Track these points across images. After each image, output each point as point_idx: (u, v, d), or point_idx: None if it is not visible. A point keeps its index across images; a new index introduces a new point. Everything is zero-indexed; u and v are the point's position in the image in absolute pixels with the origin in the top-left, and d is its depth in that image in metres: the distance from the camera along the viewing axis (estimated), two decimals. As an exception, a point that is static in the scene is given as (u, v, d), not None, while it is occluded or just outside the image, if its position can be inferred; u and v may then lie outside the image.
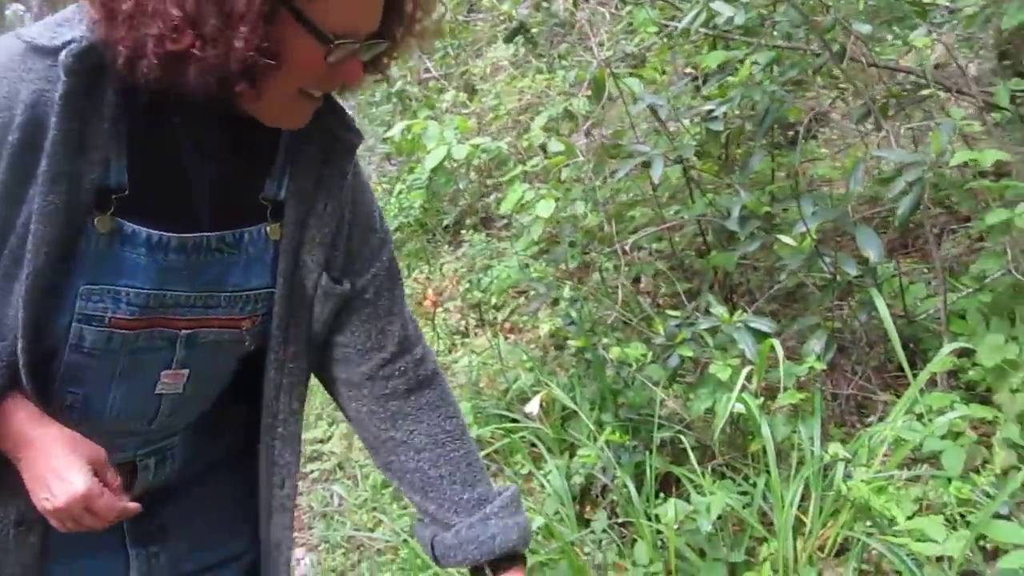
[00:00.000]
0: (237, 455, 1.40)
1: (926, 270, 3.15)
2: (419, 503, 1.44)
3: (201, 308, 1.17)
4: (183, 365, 1.20)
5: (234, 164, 1.18)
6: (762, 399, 2.52)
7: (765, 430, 2.45)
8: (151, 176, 1.10)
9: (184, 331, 1.18)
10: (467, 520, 1.38)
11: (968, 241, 3.22)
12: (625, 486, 2.62)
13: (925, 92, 2.91)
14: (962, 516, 2.08)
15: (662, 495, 2.61)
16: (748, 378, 2.50)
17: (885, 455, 2.32)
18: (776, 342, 2.46)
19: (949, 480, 2.15)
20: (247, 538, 1.41)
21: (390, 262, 1.35)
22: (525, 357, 3.53)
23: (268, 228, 1.21)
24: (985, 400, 2.45)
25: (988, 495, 2.10)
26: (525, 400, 3.29)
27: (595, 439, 2.88)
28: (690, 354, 2.62)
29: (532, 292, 4.19)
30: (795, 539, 2.31)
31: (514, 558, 1.42)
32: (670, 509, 2.24)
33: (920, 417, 2.31)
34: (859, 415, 2.80)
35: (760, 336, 2.55)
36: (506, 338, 4.10)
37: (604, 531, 2.45)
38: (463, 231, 5.15)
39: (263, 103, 1.10)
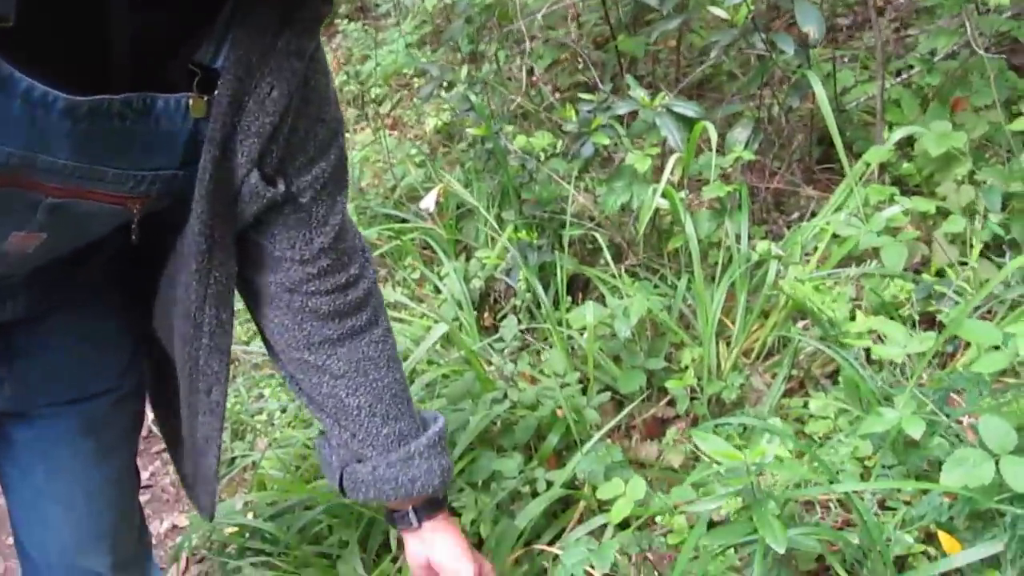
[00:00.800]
0: (103, 288, 1.25)
1: (852, 58, 2.91)
2: (328, 427, 1.30)
3: (81, 179, 0.92)
4: (41, 230, 0.98)
5: (169, 17, 0.92)
6: (684, 193, 2.27)
7: (688, 227, 2.22)
8: (58, 13, 0.83)
9: (53, 199, 0.93)
10: (386, 457, 1.27)
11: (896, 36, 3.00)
12: (530, 290, 2.37)
13: None
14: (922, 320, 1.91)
15: (571, 300, 2.39)
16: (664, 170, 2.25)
17: (823, 255, 2.12)
18: (711, 126, 2.19)
19: (892, 278, 1.97)
20: (114, 375, 1.31)
21: (337, 161, 1.12)
22: (414, 151, 3.18)
23: (190, 100, 0.94)
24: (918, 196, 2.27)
25: (930, 296, 1.93)
26: (415, 199, 2.98)
27: (492, 241, 2.62)
28: (606, 142, 2.33)
29: (419, 82, 3.82)
30: (719, 344, 2.12)
31: (433, 502, 1.34)
32: (588, 313, 2.00)
33: (854, 213, 2.12)
34: (781, 212, 2.60)
35: (685, 123, 2.28)
36: (389, 135, 3.73)
37: (515, 338, 2.21)
38: (337, 20, 4.69)
39: None
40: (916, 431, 1.46)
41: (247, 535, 2.07)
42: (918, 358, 1.64)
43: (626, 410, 1.92)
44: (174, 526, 2.50)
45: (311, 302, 1.16)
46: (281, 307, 1.17)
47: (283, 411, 2.53)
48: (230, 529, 2.12)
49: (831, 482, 1.41)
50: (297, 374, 1.24)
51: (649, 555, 1.60)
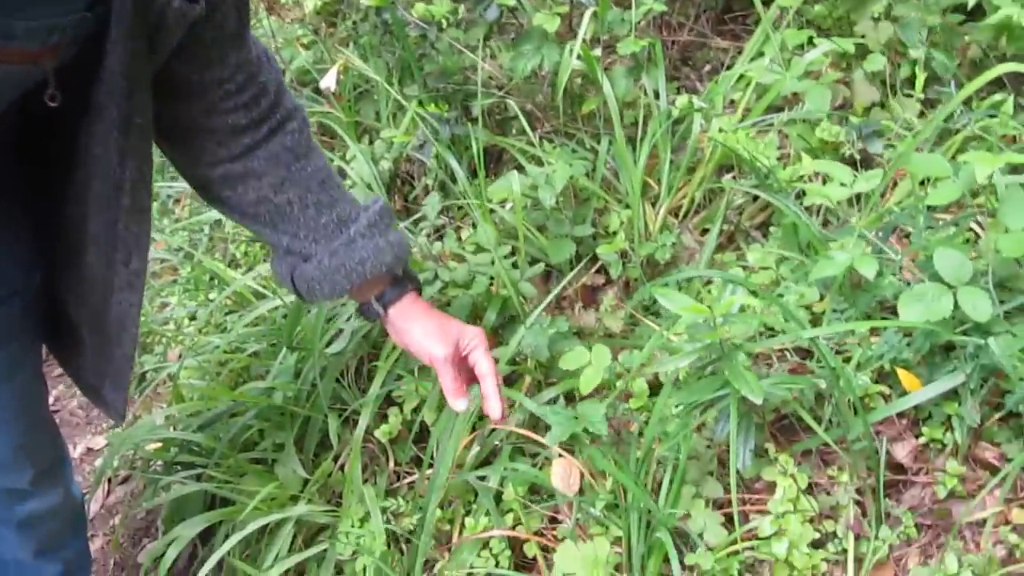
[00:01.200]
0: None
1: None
2: (270, 237, 1.25)
3: None
4: None
5: None
6: (597, 51, 2.17)
7: (606, 86, 2.13)
8: None
9: None
10: (328, 247, 1.23)
11: None
12: (443, 166, 2.26)
13: None
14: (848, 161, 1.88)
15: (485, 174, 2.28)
16: (575, 31, 2.14)
17: (746, 106, 2.06)
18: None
19: (818, 123, 1.93)
20: (21, 275, 1.25)
21: None
22: (300, 32, 2.97)
23: None
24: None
25: (858, 134, 1.90)
26: (307, 83, 2.79)
27: (394, 119, 2.47)
28: (511, 2, 2.20)
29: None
30: (645, 205, 2.06)
31: (399, 283, 1.30)
32: (513, 183, 1.90)
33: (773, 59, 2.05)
34: (691, 67, 2.52)
35: (592, -25, 2.16)
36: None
37: (439, 215, 2.10)
38: None
39: None
40: (869, 271, 1.43)
41: (173, 450, 1.96)
42: (864, 199, 1.60)
43: (567, 278, 1.86)
44: (89, 449, 2.36)
45: (231, 119, 1.14)
46: (202, 133, 1.15)
47: (192, 318, 2.39)
48: (153, 445, 2.00)
49: (798, 329, 1.37)
50: (224, 191, 1.21)
51: (611, 423, 1.56)
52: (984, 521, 1.38)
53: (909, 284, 1.48)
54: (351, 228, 1.23)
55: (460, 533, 1.65)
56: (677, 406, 1.36)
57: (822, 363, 1.50)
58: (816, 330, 1.32)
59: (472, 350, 1.32)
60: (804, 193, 1.76)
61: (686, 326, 1.32)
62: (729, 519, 1.45)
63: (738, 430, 1.28)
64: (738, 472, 1.46)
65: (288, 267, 1.26)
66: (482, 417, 1.71)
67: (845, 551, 1.41)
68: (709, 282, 1.89)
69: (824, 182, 1.89)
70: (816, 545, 1.41)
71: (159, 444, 1.98)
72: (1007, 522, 1.39)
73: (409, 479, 1.83)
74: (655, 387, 1.60)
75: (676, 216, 2.08)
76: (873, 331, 1.53)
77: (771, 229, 1.94)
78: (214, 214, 2.37)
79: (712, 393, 1.28)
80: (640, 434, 1.57)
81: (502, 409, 1.31)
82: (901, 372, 1.42)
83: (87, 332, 1.26)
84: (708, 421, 1.43)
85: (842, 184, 1.51)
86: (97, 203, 1.08)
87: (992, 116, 1.64)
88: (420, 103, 2.31)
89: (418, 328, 1.30)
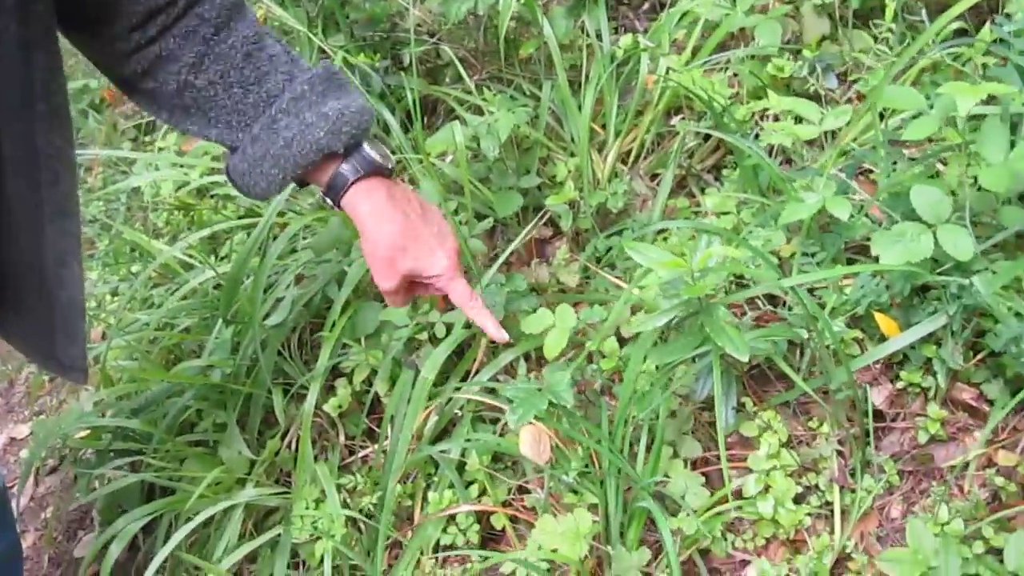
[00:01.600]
0: None
1: None
2: (209, 133, 1.07)
3: None
4: None
5: None
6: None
7: (546, 28, 2.02)
8: None
9: None
10: (251, 131, 1.04)
11: None
12: (376, 119, 2.13)
13: None
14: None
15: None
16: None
17: (695, 44, 1.98)
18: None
19: (767, 60, 1.85)
20: None
21: None
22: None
23: None
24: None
25: (811, 69, 1.83)
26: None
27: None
28: (442, -60, 2.06)
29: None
30: (590, 153, 1.97)
31: (350, 164, 1.08)
32: (456, 133, 1.79)
33: None
34: (627, 5, 2.42)
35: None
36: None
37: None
38: None
39: None
40: (842, 212, 1.36)
41: (106, 436, 1.82)
42: (829, 137, 1.53)
43: (524, 232, 1.76)
44: (12, 439, 2.21)
45: (157, 21, 0.99)
46: (111, 16, 0.99)
47: (115, 294, 2.23)
48: (83, 433, 1.86)
49: (771, 277, 1.30)
50: (146, 83, 1.04)
51: (578, 385, 1.48)
52: (967, 464, 1.34)
53: (880, 224, 1.42)
54: (271, 106, 1.04)
55: (422, 508, 1.56)
56: (655, 366, 1.28)
57: (793, 310, 1.44)
58: (796, 277, 1.25)
59: (436, 281, 1.17)
60: (760, 133, 1.69)
61: (659, 282, 1.23)
62: (707, 479, 1.39)
63: (721, 388, 1.21)
64: (712, 427, 1.40)
65: (226, 164, 1.10)
66: (438, 384, 1.62)
67: (828, 503, 1.36)
68: (664, 229, 1.82)
69: (775, 120, 1.82)
70: (798, 500, 1.35)
71: (87, 432, 1.84)
72: (991, 464, 1.35)
73: (363, 452, 1.73)
74: (620, 343, 1.53)
75: (624, 163, 1.99)
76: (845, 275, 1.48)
77: (723, 172, 1.87)
78: (131, 181, 2.21)
79: (692, 351, 1.20)
80: (610, 394, 1.49)
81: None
82: (879, 316, 1.36)
83: (22, 280, 1.05)
84: (677, 375, 1.36)
85: (809, 122, 1.43)
86: (6, 113, 0.91)
87: (958, 47, 1.58)
88: (347, 53, 2.17)
89: (368, 239, 1.12)
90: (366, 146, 1.08)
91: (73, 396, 2.12)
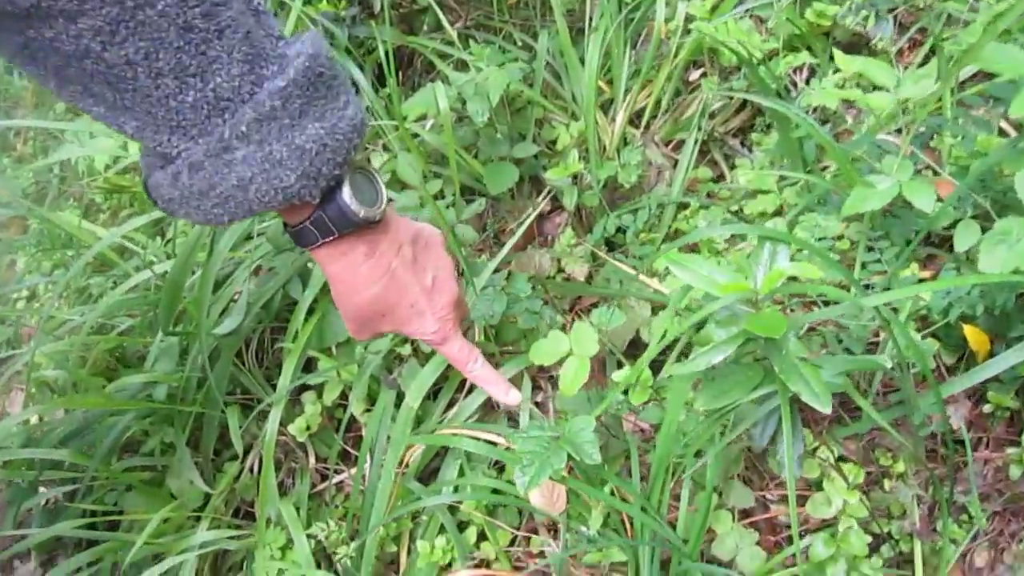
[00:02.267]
0: None
1: None
2: (121, 124, 0.68)
3: None
4: None
5: None
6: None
7: (541, -33, 1.72)
8: None
9: None
10: (191, 152, 0.68)
11: None
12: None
13: None
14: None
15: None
16: None
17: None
18: None
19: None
20: None
21: None
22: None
23: None
24: None
25: (863, 12, 1.54)
26: None
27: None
28: None
29: None
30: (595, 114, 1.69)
31: (330, 214, 0.78)
32: (439, 97, 1.50)
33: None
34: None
35: None
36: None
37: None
38: None
39: None
40: (925, 202, 1.10)
41: (28, 468, 1.55)
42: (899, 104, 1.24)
43: (525, 216, 1.48)
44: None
45: None
46: None
47: (49, 282, 1.94)
48: (7, 459, 1.59)
49: (844, 293, 1.03)
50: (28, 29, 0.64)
51: (603, 421, 1.22)
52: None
53: (963, 212, 1.15)
54: (227, 123, 0.68)
55: (409, 553, 1.31)
56: (705, 412, 1.02)
57: (858, 318, 1.18)
58: (880, 296, 0.98)
59: (424, 341, 0.95)
60: (802, 95, 1.41)
61: (722, 307, 0.95)
62: (758, 530, 1.14)
63: (791, 436, 0.95)
64: (759, 462, 1.15)
65: (144, 169, 0.76)
66: (425, 403, 1.36)
67: (903, 554, 1.12)
68: (684, 206, 1.55)
69: (811, 75, 1.54)
70: (868, 552, 1.11)
71: (9, 460, 1.57)
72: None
73: (339, 478, 1.47)
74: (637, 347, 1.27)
75: (634, 126, 1.71)
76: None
77: (752, 137, 1.59)
78: (60, 154, 1.89)
79: (750, 392, 0.94)
80: (638, 427, 1.24)
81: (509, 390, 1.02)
82: (969, 330, 1.11)
83: None
84: (731, 415, 1.10)
85: (883, 88, 1.15)
86: None
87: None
88: (307, 1, 1.86)
89: (339, 301, 0.88)
90: (345, 193, 0.76)
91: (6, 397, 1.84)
